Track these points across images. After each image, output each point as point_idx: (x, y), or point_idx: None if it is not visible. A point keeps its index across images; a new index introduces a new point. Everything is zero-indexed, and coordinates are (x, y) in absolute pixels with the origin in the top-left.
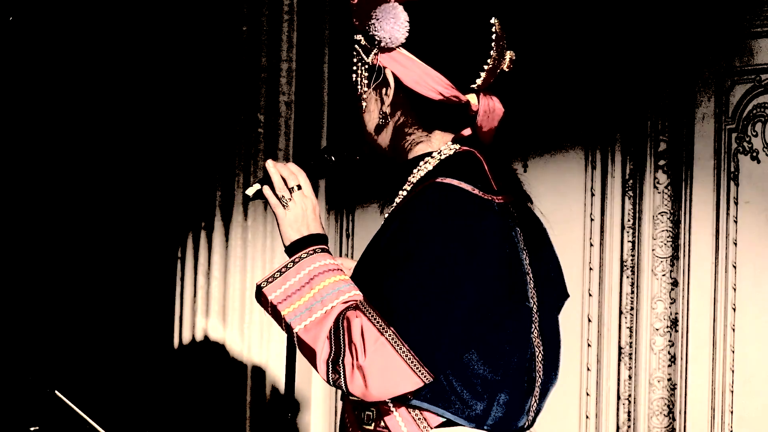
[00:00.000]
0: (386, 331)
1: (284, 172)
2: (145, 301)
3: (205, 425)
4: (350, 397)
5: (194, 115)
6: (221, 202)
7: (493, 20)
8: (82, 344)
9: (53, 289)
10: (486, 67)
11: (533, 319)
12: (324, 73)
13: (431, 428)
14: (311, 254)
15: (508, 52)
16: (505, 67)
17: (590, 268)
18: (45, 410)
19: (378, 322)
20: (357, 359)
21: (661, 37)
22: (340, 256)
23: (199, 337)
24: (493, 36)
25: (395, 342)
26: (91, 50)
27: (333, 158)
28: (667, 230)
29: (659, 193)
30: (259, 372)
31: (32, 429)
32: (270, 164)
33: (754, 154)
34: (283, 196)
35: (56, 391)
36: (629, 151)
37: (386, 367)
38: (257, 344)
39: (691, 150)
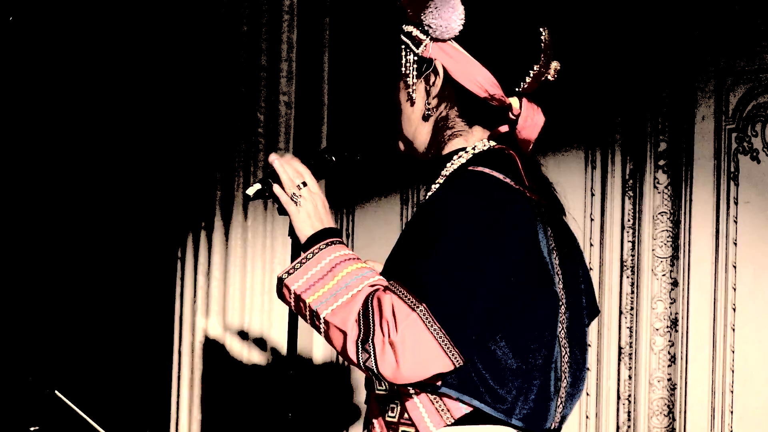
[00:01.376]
0: (418, 307)
1: (289, 171)
2: (145, 301)
3: (204, 425)
4: (377, 390)
5: (194, 115)
6: (221, 202)
7: (543, 29)
8: (82, 344)
9: (53, 289)
10: (532, 72)
11: (561, 318)
12: (324, 73)
13: (454, 419)
14: (329, 245)
15: (554, 62)
16: (550, 76)
17: (590, 268)
18: (45, 410)
19: (409, 299)
20: (389, 335)
21: (661, 38)
22: None
23: (199, 337)
24: (542, 44)
25: (427, 319)
26: (91, 50)
27: (334, 158)
28: (667, 230)
29: (659, 193)
30: (259, 372)
31: (32, 429)
32: (276, 162)
33: (754, 154)
34: (294, 194)
35: (56, 391)
36: (629, 151)
37: (417, 344)
38: (257, 344)
39: (691, 150)
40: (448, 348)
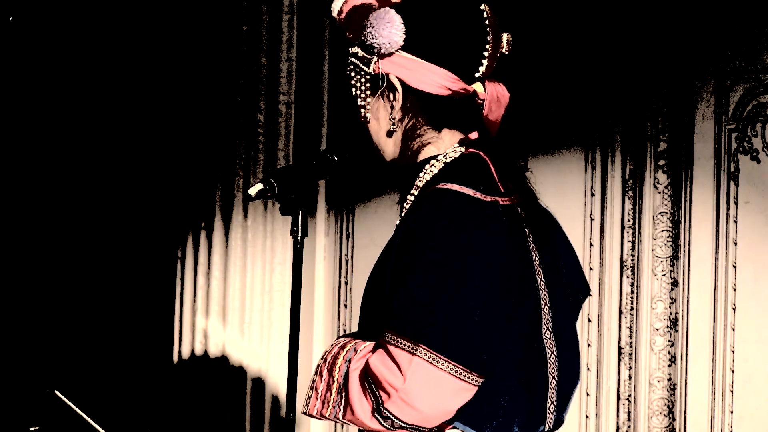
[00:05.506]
0: (417, 349)
1: None
2: (145, 301)
3: (205, 425)
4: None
5: (194, 115)
6: (221, 202)
7: (483, 6)
8: (82, 344)
9: (54, 289)
10: (486, 53)
11: (544, 320)
12: (324, 73)
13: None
14: (324, 358)
15: (504, 34)
16: (504, 50)
17: (590, 268)
18: (45, 410)
19: (405, 345)
20: (396, 389)
21: (661, 37)
22: (340, 256)
23: (199, 337)
24: (487, 21)
25: (430, 357)
26: (91, 50)
27: (336, 158)
28: (667, 230)
29: (659, 193)
30: (259, 372)
31: (32, 429)
32: None
33: (754, 154)
34: None
35: (56, 391)
36: (629, 151)
37: (430, 384)
38: (257, 344)
39: (691, 150)
40: (462, 374)
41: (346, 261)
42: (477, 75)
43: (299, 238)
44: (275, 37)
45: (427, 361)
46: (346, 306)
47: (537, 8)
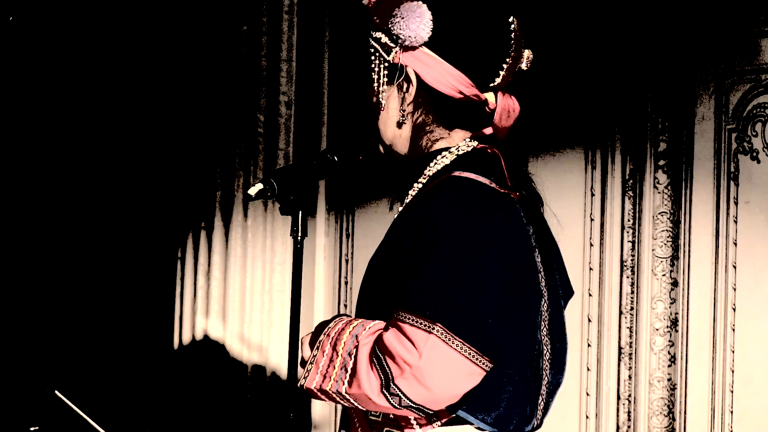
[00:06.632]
0: (434, 328)
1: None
2: (145, 301)
3: (205, 425)
4: (372, 416)
5: (195, 115)
6: (221, 202)
7: (511, 19)
8: (82, 344)
9: (54, 289)
10: (505, 65)
11: (544, 317)
12: (324, 73)
13: (441, 422)
14: (327, 333)
15: (526, 51)
16: (523, 66)
17: (590, 268)
18: (45, 410)
19: (422, 323)
20: (410, 366)
21: (661, 37)
22: (340, 256)
23: (199, 337)
24: (512, 35)
25: (446, 337)
26: (91, 50)
27: (336, 158)
28: (667, 230)
29: (659, 193)
30: (259, 372)
31: (32, 429)
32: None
33: (754, 154)
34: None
35: (56, 391)
36: (629, 151)
37: (444, 364)
38: (257, 344)
39: (691, 150)
40: (475, 357)
41: (346, 261)
42: (492, 85)
43: (299, 238)
44: (275, 37)
45: (443, 340)
46: (346, 306)
47: (537, 8)
